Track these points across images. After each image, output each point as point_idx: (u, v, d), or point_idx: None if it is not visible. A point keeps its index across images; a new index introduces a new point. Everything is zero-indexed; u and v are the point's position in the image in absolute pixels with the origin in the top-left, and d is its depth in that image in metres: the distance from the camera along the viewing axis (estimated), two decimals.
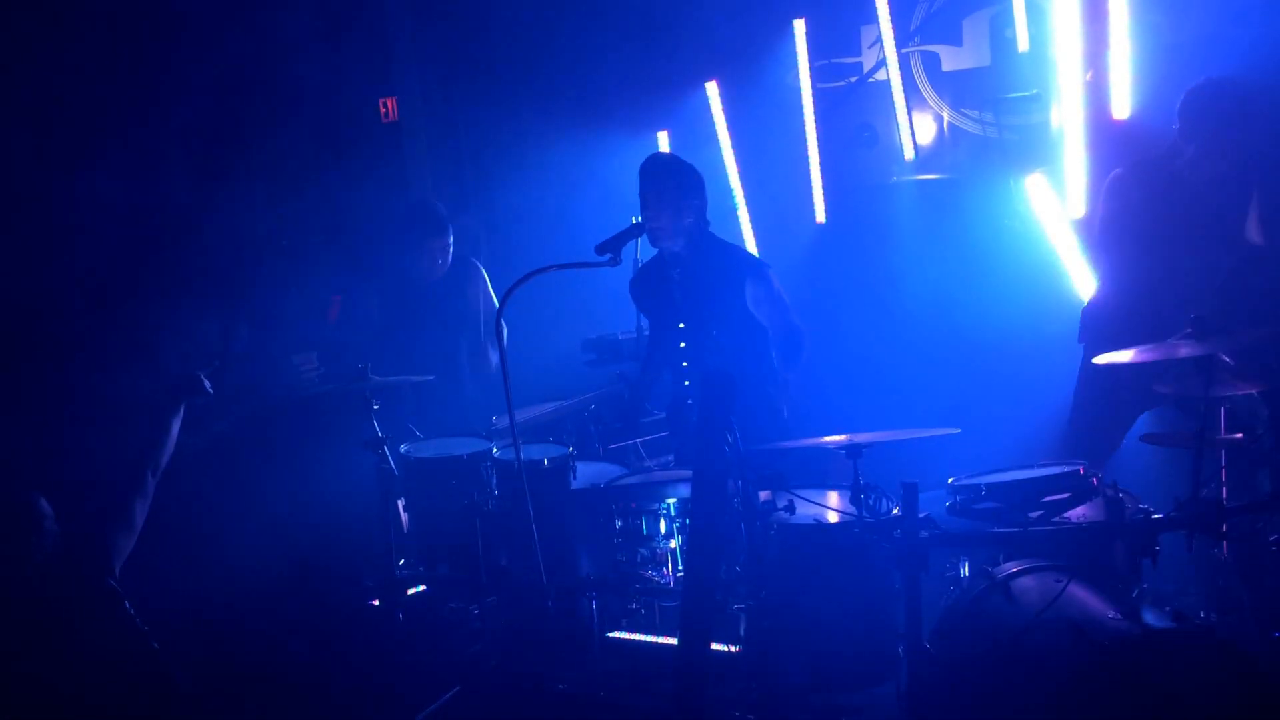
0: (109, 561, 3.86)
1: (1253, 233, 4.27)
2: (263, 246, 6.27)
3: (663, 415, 5.17)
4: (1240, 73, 4.25)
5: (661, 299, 4.73)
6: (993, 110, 6.19)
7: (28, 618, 3.71)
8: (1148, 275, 4.27)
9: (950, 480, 3.70)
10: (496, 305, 5.08)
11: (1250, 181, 4.25)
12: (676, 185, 4.50)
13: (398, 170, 6.86)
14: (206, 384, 4.10)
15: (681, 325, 4.66)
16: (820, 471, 4.06)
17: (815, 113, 6.41)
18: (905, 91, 6.31)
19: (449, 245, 5.67)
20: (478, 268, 5.84)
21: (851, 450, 3.53)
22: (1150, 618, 2.98)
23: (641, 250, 5.24)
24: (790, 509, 3.61)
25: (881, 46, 6.30)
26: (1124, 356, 3.55)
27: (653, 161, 4.61)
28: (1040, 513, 3.44)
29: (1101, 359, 3.67)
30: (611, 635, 4.18)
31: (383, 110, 6.82)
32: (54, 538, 3.88)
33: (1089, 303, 4.57)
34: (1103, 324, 4.46)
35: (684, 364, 4.70)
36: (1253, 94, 4.11)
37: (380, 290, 5.83)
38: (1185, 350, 3.36)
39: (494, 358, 5.66)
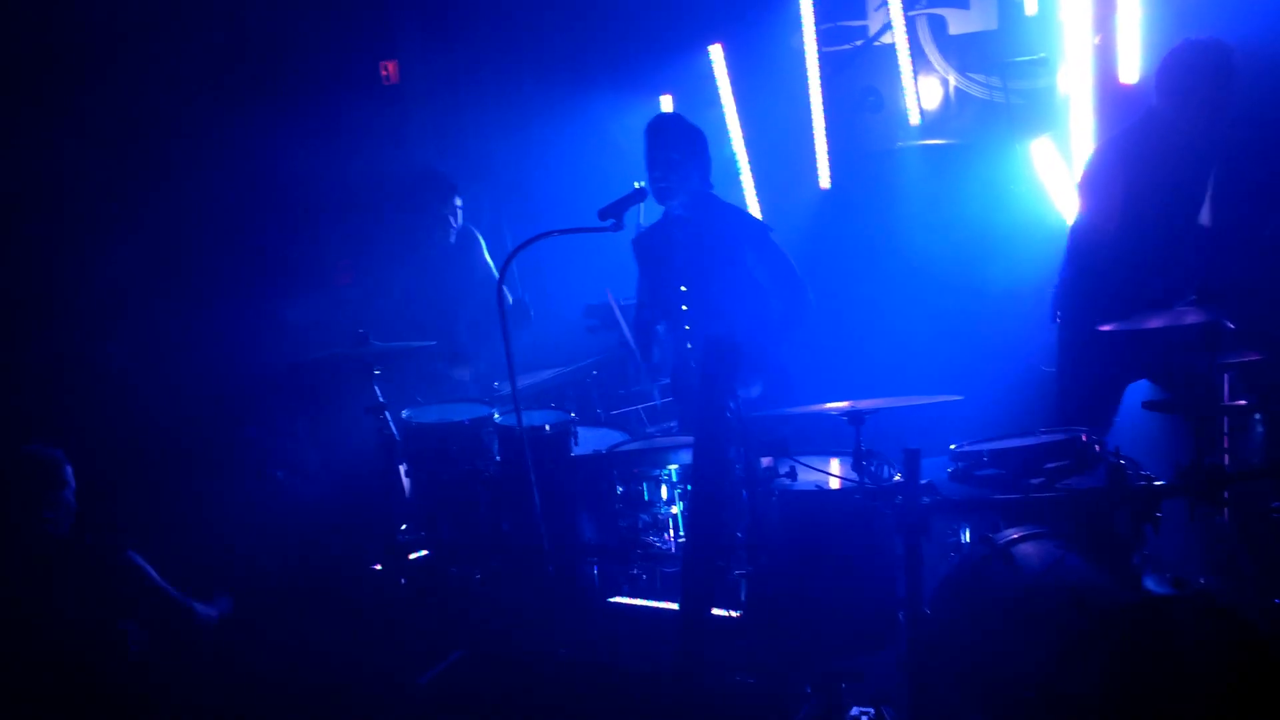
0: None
1: (1204, 215, 4.22)
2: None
3: (665, 380, 5.17)
4: (1249, 37, 4.18)
5: (664, 261, 4.71)
6: (1000, 74, 6.14)
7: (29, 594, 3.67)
8: (1130, 242, 4.23)
9: (952, 447, 3.69)
10: (494, 271, 5.08)
11: (1216, 154, 4.18)
12: (682, 145, 4.51)
13: (398, 134, 6.81)
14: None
15: (684, 289, 4.64)
16: (822, 438, 4.06)
17: (820, 77, 6.36)
18: (911, 55, 6.26)
19: (459, 210, 5.68)
20: (474, 234, 5.83)
21: (854, 417, 3.52)
22: (1151, 584, 2.99)
23: (644, 216, 5.22)
24: (792, 475, 3.61)
25: (888, 9, 6.24)
26: (1105, 325, 3.53)
27: (658, 121, 4.62)
28: (1042, 479, 3.44)
29: (1106, 327, 3.66)
30: (613, 600, 4.20)
31: (383, 73, 6.77)
32: (70, 510, 3.85)
33: (1060, 279, 4.51)
34: (1079, 297, 4.41)
35: (686, 327, 4.69)
36: (1231, 55, 4.03)
37: (397, 260, 5.85)
38: (1191, 317, 3.34)
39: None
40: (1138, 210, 4.16)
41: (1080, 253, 4.42)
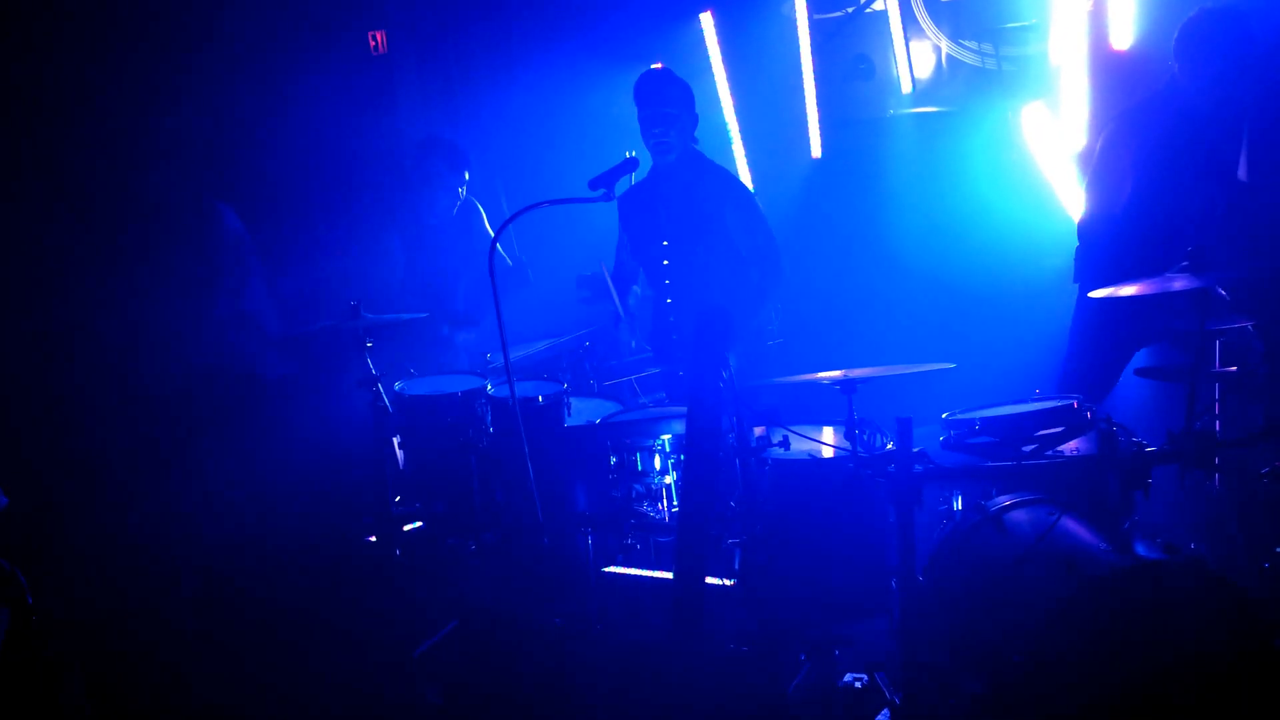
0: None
1: (1242, 170, 4.22)
2: None
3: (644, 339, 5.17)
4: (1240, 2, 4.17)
5: (649, 216, 4.73)
6: (991, 41, 6.11)
7: None
8: (1147, 213, 4.24)
9: (945, 415, 3.70)
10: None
11: (1244, 115, 4.18)
12: (677, 98, 4.58)
13: (389, 105, 6.76)
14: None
15: (665, 243, 4.66)
16: (815, 407, 4.07)
17: (811, 44, 6.31)
18: (903, 22, 6.22)
19: (466, 184, 5.67)
20: (474, 203, 5.80)
21: (846, 386, 3.53)
22: (1142, 549, 3.01)
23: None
24: (785, 444, 3.61)
25: None
26: (1122, 291, 3.53)
27: (652, 76, 4.66)
28: (1034, 447, 3.45)
29: (1098, 294, 3.66)
30: (607, 570, 4.21)
31: (372, 43, 6.71)
32: None
33: (1082, 242, 4.53)
34: (1100, 262, 4.43)
35: (666, 281, 4.70)
36: (1250, 22, 4.03)
37: (403, 229, 5.82)
38: (1181, 284, 3.34)
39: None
40: (1154, 181, 4.16)
41: (1092, 220, 4.41)
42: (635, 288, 5.03)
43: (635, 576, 4.18)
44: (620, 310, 4.86)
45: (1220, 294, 3.68)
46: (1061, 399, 3.67)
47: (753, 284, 4.59)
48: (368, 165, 6.34)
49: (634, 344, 5.20)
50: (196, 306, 5.16)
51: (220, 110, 5.86)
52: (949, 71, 6.34)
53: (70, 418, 4.88)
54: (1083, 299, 4.48)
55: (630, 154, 4.36)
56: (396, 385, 4.80)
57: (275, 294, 5.55)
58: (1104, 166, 4.39)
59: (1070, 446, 3.50)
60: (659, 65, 5.08)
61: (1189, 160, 4.16)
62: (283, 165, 6.20)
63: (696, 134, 4.70)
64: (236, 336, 5.22)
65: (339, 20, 6.55)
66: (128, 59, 5.53)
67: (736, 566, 3.70)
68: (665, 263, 4.68)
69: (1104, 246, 4.36)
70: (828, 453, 3.63)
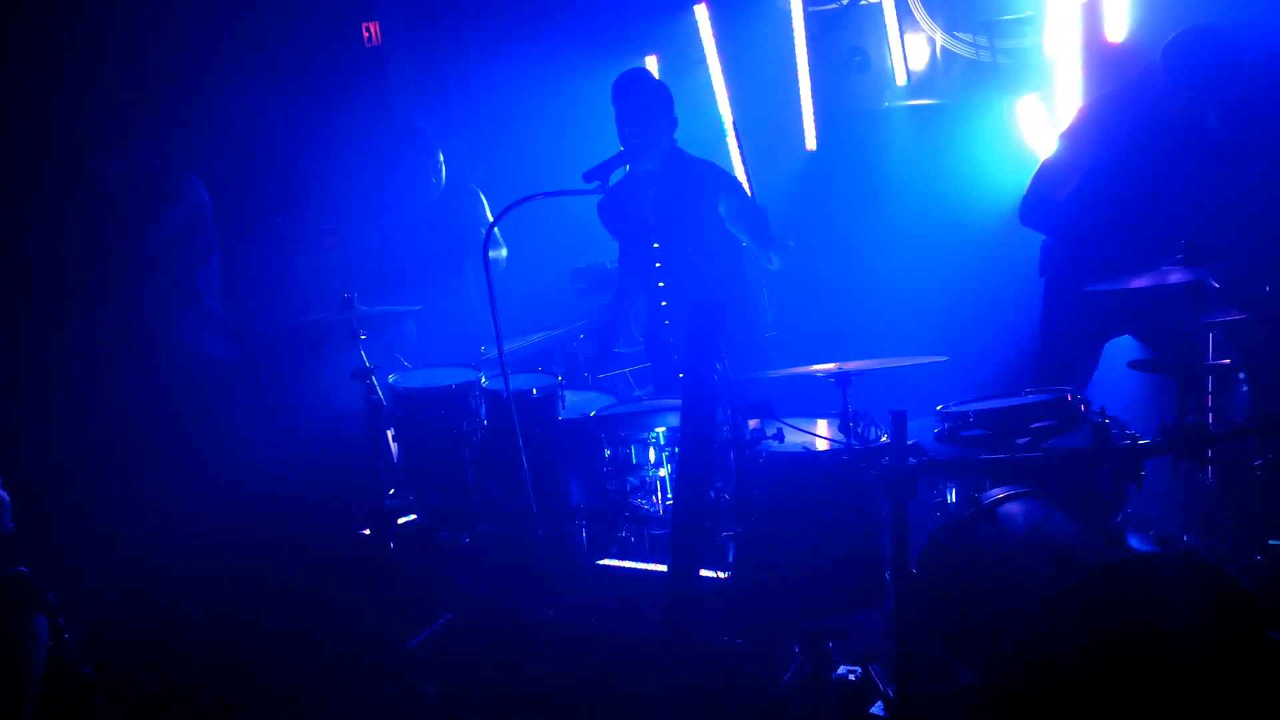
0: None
1: (1194, 176, 4.21)
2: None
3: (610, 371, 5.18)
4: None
5: (633, 220, 4.71)
6: (986, 33, 6.11)
7: None
8: (1112, 205, 4.24)
9: (938, 408, 3.71)
10: (495, 234, 5.03)
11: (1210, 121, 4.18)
12: (653, 100, 4.55)
13: (382, 97, 6.75)
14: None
15: (656, 245, 4.65)
16: (809, 400, 4.07)
17: (806, 36, 6.31)
18: (898, 14, 6.21)
19: (439, 165, 5.64)
20: (476, 192, 5.79)
21: (841, 378, 3.53)
22: (1135, 542, 3.01)
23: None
24: (779, 437, 3.61)
25: None
26: (1118, 285, 3.54)
27: (627, 78, 4.62)
28: (1027, 439, 3.46)
29: (1094, 286, 3.67)
30: (601, 563, 4.21)
31: (365, 35, 6.69)
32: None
33: (1046, 237, 4.52)
34: (1066, 256, 4.42)
35: (660, 284, 4.69)
36: (1240, 43, 4.03)
37: (378, 220, 5.79)
38: (1176, 276, 3.34)
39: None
40: (1126, 169, 4.16)
41: (1067, 213, 4.41)
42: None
43: (629, 569, 4.18)
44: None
45: (1213, 286, 3.68)
46: (1055, 392, 3.68)
47: (753, 270, 4.59)
48: (358, 155, 6.32)
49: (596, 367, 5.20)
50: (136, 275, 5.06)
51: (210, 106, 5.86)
52: (944, 64, 6.34)
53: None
54: (1047, 295, 4.48)
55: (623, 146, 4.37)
56: (390, 378, 4.79)
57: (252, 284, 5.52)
58: (1077, 137, 4.37)
59: (1064, 439, 3.50)
60: (655, 69, 5.10)
61: (1159, 151, 4.16)
62: (275, 158, 6.19)
63: (680, 134, 4.66)
64: (178, 309, 5.13)
65: (332, 11, 6.54)
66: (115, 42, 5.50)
67: (730, 559, 3.71)
68: (657, 265, 4.66)
69: (1072, 235, 4.36)
70: (822, 445, 3.63)
